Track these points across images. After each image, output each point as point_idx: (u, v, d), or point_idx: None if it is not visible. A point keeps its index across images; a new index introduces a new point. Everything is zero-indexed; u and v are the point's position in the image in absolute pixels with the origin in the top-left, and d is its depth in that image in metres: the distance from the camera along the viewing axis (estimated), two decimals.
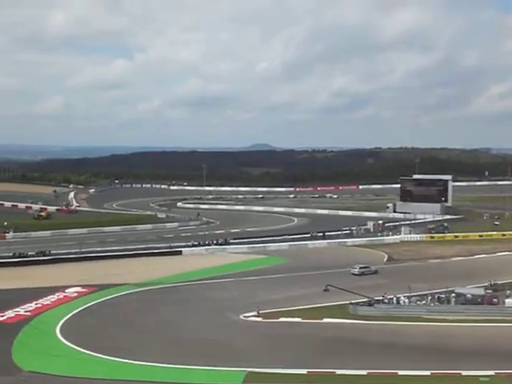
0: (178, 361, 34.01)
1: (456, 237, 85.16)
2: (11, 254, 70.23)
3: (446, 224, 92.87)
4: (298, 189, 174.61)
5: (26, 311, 46.59)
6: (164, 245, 78.05)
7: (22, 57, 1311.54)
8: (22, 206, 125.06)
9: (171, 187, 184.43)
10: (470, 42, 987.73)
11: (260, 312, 45.06)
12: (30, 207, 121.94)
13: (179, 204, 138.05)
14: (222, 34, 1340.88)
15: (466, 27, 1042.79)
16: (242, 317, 44.86)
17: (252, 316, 44.83)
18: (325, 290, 45.02)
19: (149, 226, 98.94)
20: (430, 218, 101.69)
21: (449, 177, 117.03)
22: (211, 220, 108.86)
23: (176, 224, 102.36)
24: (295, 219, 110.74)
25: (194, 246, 78.34)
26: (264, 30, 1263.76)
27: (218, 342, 38.91)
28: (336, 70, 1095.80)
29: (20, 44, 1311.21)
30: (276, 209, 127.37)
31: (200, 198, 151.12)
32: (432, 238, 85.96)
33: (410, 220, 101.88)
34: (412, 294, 47.30)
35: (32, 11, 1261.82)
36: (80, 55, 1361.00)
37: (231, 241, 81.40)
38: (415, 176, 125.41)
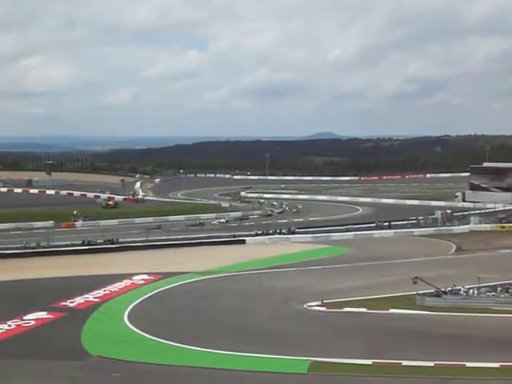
0: (243, 349, 34.05)
1: None
2: (80, 242, 72.41)
3: None
4: (362, 178, 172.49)
5: (94, 297, 47.82)
6: (228, 234, 78.59)
7: (99, 50, 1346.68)
8: (90, 195, 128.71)
9: (234, 177, 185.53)
10: None
11: (324, 302, 44.65)
12: (98, 196, 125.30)
13: (242, 193, 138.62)
14: (296, 23, 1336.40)
15: None
16: (305, 306, 44.56)
17: (316, 305, 44.44)
18: (414, 283, 44.15)
19: (213, 215, 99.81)
20: (500, 207, 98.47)
21: None
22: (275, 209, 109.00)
23: (239, 213, 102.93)
24: (360, 208, 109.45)
25: (257, 235, 78.58)
26: (339, 17, 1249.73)
27: (282, 330, 38.80)
28: (410, 56, 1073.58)
29: (98, 36, 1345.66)
30: (340, 198, 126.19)
31: (250, 188, 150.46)
32: (503, 227, 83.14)
33: (480, 209, 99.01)
34: (481, 284, 45.89)
35: (109, 5, 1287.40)
36: (155, 47, 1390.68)
37: (295, 230, 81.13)
38: (485, 164, 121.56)
